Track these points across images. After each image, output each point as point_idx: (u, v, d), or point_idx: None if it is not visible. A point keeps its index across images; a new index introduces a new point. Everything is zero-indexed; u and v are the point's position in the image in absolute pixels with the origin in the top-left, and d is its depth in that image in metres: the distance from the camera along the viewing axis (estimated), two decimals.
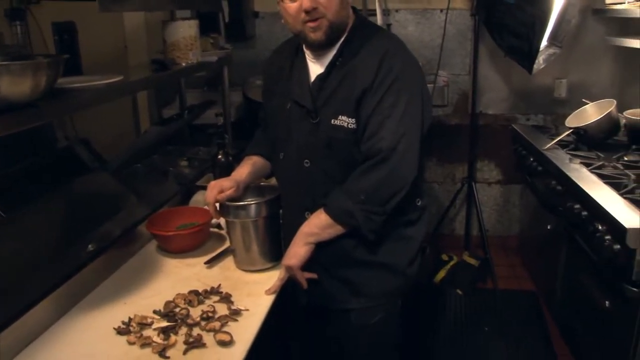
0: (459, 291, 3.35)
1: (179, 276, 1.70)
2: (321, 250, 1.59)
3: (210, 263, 1.76)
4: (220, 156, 2.15)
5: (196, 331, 1.38)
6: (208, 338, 1.36)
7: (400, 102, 1.50)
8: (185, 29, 2.30)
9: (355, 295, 1.64)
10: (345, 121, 1.53)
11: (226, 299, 1.52)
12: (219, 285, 1.60)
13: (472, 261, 3.48)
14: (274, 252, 1.73)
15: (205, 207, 1.92)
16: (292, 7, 1.51)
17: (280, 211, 1.75)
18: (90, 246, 1.66)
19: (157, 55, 2.68)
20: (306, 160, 1.62)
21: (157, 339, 1.34)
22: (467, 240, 3.79)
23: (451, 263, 3.47)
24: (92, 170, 2.68)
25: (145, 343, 1.33)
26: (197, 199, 2.17)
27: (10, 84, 1.27)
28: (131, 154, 2.47)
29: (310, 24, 1.51)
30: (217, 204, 1.71)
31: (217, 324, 1.39)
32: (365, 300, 1.65)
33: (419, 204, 1.68)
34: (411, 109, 1.52)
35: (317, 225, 1.55)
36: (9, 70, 1.28)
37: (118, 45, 3.44)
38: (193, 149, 2.80)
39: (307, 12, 1.49)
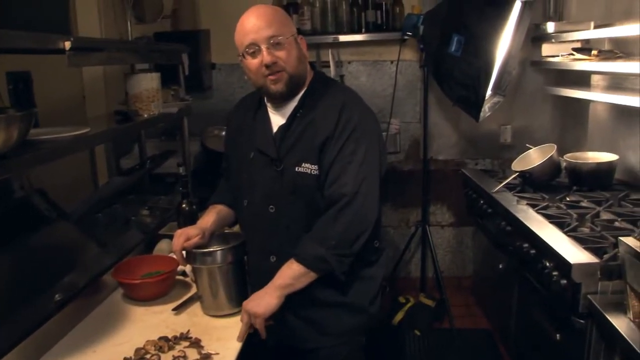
0: (417, 332, 3.42)
1: (147, 323, 1.72)
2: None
3: (178, 310, 1.79)
4: (184, 205, 2.19)
5: None
6: None
7: (360, 150, 1.62)
8: (148, 82, 2.36)
9: (321, 334, 1.71)
10: (308, 168, 1.64)
11: (196, 344, 1.55)
12: (188, 330, 1.63)
13: (429, 302, 3.57)
14: (240, 297, 1.77)
15: (171, 255, 1.96)
16: (254, 62, 1.62)
17: (245, 257, 1.80)
18: (57, 296, 1.66)
19: (117, 106, 2.73)
20: (271, 206, 1.70)
21: None
22: (422, 282, 3.88)
23: (408, 305, 3.55)
24: (53, 221, 2.66)
25: None
26: (161, 247, 2.20)
27: None
28: (92, 203, 2.49)
29: (271, 77, 1.63)
30: (184, 252, 1.76)
31: None
32: (331, 339, 1.72)
33: (377, 245, 1.78)
34: (369, 156, 1.64)
35: (291, 276, 1.60)
36: None
37: (76, 96, 3.45)
38: (154, 198, 2.82)
39: (267, 66, 1.60)
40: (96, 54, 1.92)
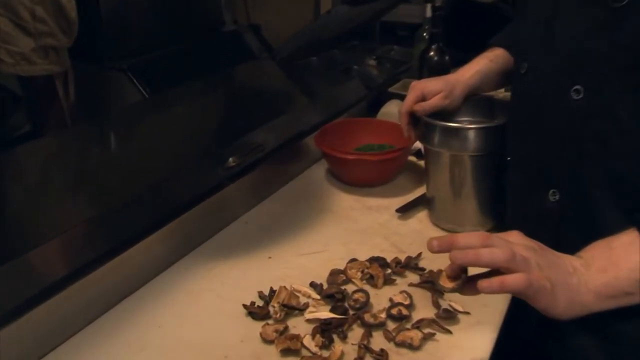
0: None
1: (356, 225, 1.09)
2: None
3: (404, 212, 1.13)
4: (432, 52, 1.47)
5: (378, 340, 0.78)
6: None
7: None
8: None
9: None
10: None
11: (432, 283, 0.88)
12: (420, 254, 0.97)
13: None
14: (495, 208, 1.06)
15: None
16: None
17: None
18: (231, 160, 1.11)
19: None
20: (577, 87, 0.80)
21: (310, 345, 0.77)
22: None
23: None
24: (256, 60, 2.22)
25: (290, 349, 0.76)
26: (389, 110, 1.53)
27: None
28: (306, 40, 1.90)
29: None
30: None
31: (416, 335, 0.77)
32: None
33: None
34: None
35: None
36: None
37: None
38: (384, 47, 2.18)
39: None
40: None
